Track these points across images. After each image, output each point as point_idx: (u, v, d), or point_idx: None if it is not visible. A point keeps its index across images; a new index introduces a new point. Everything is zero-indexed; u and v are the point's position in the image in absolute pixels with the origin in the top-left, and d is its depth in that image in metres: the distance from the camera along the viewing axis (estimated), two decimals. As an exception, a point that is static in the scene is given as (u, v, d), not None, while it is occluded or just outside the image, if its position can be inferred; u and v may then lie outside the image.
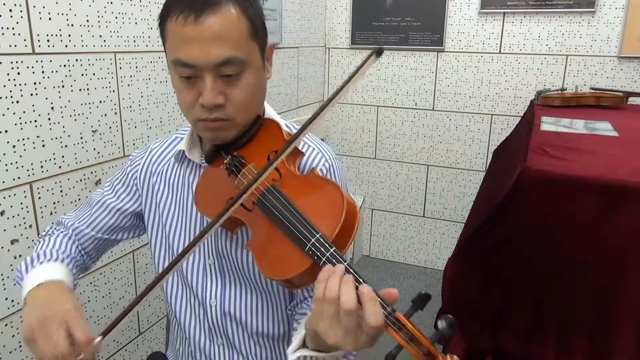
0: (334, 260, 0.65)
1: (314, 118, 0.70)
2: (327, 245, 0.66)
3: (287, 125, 0.93)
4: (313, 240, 0.66)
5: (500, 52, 2.63)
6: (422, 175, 2.95)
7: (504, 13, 2.58)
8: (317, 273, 0.67)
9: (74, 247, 0.99)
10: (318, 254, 0.65)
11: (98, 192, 1.04)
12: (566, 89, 2.46)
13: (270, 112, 0.94)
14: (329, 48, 2.98)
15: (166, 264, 0.98)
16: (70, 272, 0.91)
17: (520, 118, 2.48)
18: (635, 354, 1.19)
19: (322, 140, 1.24)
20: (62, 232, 1.01)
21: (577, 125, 1.79)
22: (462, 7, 2.65)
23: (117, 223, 1.02)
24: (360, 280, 0.64)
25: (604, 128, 1.74)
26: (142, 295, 0.69)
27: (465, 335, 1.38)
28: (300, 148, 0.87)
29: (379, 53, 0.65)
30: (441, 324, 0.61)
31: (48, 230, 1.04)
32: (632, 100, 2.30)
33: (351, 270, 0.64)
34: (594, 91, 2.30)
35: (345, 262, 0.65)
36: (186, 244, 0.94)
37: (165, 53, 0.84)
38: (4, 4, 1.15)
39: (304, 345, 0.73)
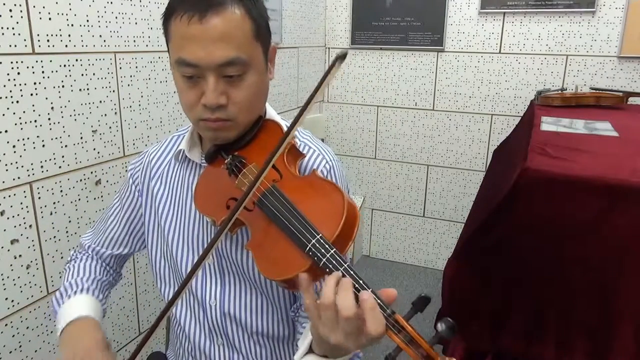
0: (334, 262, 0.65)
1: (295, 122, 0.73)
2: (327, 246, 0.65)
3: (287, 127, 0.93)
4: (313, 241, 0.66)
5: (500, 52, 2.63)
6: (422, 175, 2.95)
7: (504, 13, 2.58)
8: (316, 274, 0.67)
9: (99, 267, 1.04)
10: (318, 254, 0.65)
11: (110, 207, 1.07)
12: (566, 89, 2.46)
13: (271, 113, 0.94)
14: (329, 48, 2.98)
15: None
16: (95, 301, 0.96)
17: (520, 118, 2.48)
18: (635, 354, 1.19)
19: (322, 140, 1.24)
20: (84, 255, 1.06)
21: (577, 125, 1.79)
22: (462, 7, 2.65)
23: (128, 234, 1.05)
24: (361, 282, 0.64)
25: (604, 128, 1.74)
26: (155, 323, 0.72)
27: (465, 335, 1.38)
28: (300, 150, 0.87)
29: (343, 57, 0.67)
30: (441, 326, 0.61)
31: (72, 256, 1.08)
32: (632, 100, 2.30)
33: (351, 272, 0.64)
34: (594, 91, 2.30)
35: (345, 263, 0.65)
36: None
37: (168, 52, 0.84)
38: (4, 4, 1.15)
39: (310, 350, 0.73)
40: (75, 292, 0.95)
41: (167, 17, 0.81)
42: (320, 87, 0.70)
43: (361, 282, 0.64)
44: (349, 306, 0.61)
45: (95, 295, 0.97)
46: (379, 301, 0.62)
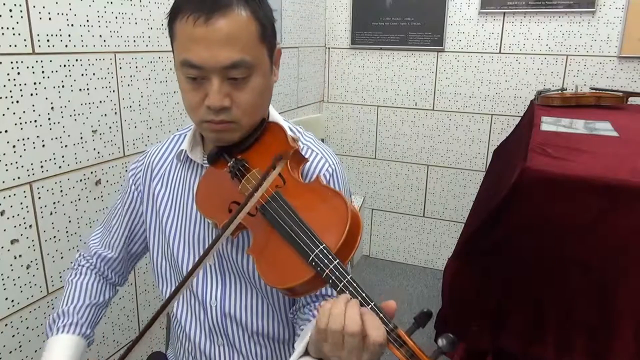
0: (337, 273, 0.65)
1: (230, 223, 0.74)
2: (330, 257, 0.65)
3: (290, 129, 0.93)
4: (317, 251, 0.66)
5: (500, 52, 2.63)
6: (422, 175, 2.95)
7: (504, 13, 2.58)
8: (317, 284, 0.67)
9: (97, 285, 1.03)
10: (322, 265, 0.65)
11: (113, 207, 1.06)
12: (566, 89, 2.46)
13: (274, 115, 0.94)
14: (329, 48, 2.98)
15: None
16: (79, 341, 0.94)
17: (520, 118, 2.48)
18: (635, 354, 1.19)
19: (322, 140, 1.24)
20: (86, 265, 1.04)
21: (577, 125, 1.79)
22: (462, 7, 2.65)
23: (131, 235, 1.04)
24: (363, 294, 0.64)
25: (604, 128, 1.74)
26: (148, 325, 0.72)
27: (465, 335, 1.38)
28: (303, 153, 0.87)
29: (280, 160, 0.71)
30: (442, 341, 0.61)
31: (77, 262, 1.06)
32: (632, 100, 2.29)
33: (354, 284, 0.64)
34: (594, 91, 2.29)
35: (348, 275, 0.65)
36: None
37: (172, 52, 0.84)
38: (4, 4, 1.15)
39: (306, 353, 0.73)
40: (65, 326, 0.93)
41: (173, 17, 0.80)
42: (259, 189, 0.73)
43: (364, 295, 0.64)
44: (355, 321, 0.62)
45: (82, 332, 0.95)
46: (381, 315, 0.63)
